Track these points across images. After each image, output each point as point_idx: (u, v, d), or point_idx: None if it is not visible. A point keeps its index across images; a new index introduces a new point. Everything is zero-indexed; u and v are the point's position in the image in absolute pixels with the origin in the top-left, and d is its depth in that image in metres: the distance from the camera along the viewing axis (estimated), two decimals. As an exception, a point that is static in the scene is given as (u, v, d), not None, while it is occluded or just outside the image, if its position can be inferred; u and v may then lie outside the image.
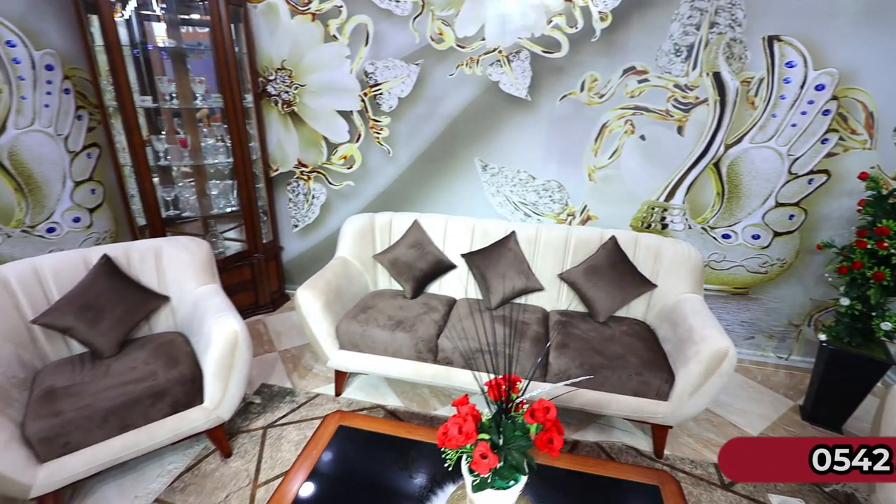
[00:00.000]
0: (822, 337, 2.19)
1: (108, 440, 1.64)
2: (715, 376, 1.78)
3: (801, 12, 2.14)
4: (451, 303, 2.49)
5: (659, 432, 2.03)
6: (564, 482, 1.41)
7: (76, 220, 2.62)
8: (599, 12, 2.36)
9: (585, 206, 2.79)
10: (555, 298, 2.51)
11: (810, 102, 2.26)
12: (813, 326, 2.64)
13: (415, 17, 2.61)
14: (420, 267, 2.50)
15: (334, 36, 2.76)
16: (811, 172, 2.37)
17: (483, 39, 2.57)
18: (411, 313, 2.29)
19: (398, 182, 3.02)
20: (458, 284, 2.60)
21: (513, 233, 2.53)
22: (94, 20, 2.39)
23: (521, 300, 2.51)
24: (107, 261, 1.97)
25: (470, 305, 2.41)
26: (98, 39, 2.43)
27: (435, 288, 2.63)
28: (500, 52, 2.57)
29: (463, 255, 2.53)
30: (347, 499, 1.36)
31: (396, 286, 2.62)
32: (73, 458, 1.59)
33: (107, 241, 2.82)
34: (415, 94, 2.78)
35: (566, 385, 1.77)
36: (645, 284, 2.30)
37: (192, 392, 1.79)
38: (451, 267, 2.59)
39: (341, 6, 2.69)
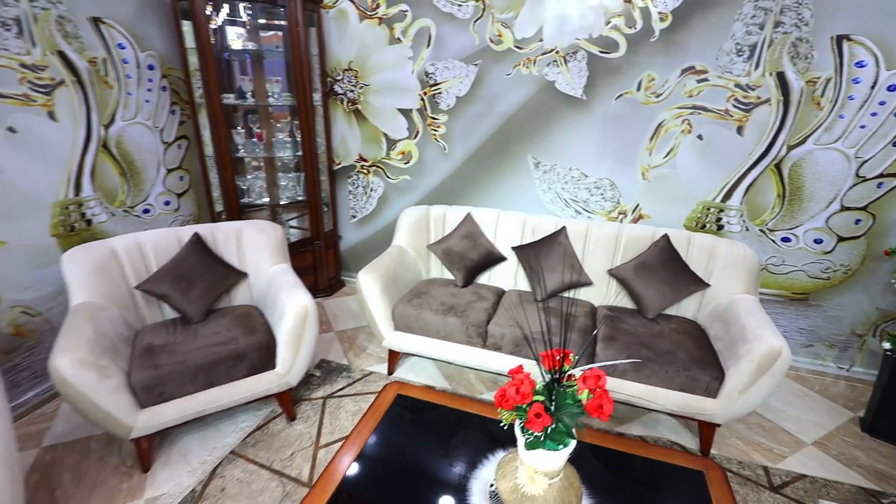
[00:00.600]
0: (887, 346, 2.11)
1: (196, 394, 1.86)
2: (767, 376, 1.78)
3: (873, 11, 2.08)
4: (500, 293, 2.58)
5: (706, 430, 2.04)
6: (609, 460, 1.47)
7: (167, 203, 2.93)
8: (659, 13, 2.38)
9: (638, 205, 2.81)
10: (603, 294, 2.55)
11: (881, 103, 2.18)
12: (878, 337, 2.53)
13: (475, 20, 2.74)
14: (471, 257, 2.62)
15: (398, 38, 2.94)
16: (881, 176, 2.28)
17: (541, 41, 2.65)
18: (462, 300, 2.41)
19: (452, 177, 3.15)
20: (507, 276, 2.69)
21: (563, 228, 2.59)
22: (188, 25, 2.68)
23: (570, 294, 2.57)
24: (197, 238, 2.22)
25: (519, 296, 2.49)
26: (190, 42, 2.72)
27: (484, 279, 2.73)
28: (557, 52, 2.64)
29: (514, 248, 2.63)
30: (403, 461, 1.49)
31: (448, 275, 2.74)
32: (166, 406, 1.82)
33: (191, 223, 3.12)
34: (472, 93, 2.90)
35: (613, 363, 1.83)
36: (697, 283, 2.30)
37: (266, 358, 2.00)
38: (501, 259, 2.69)
39: (406, 10, 2.86)
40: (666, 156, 2.63)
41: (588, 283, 2.53)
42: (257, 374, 1.98)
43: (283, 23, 2.92)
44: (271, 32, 3.10)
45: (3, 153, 2.09)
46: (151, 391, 1.78)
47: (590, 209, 2.92)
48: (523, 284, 2.65)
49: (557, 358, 1.15)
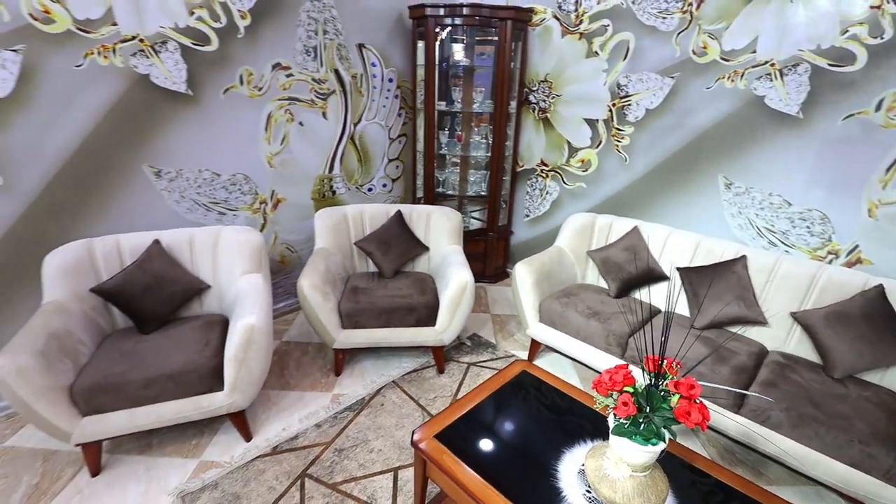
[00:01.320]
0: None
1: (377, 329, 2.45)
2: (985, 479, 1.40)
3: None
4: (652, 311, 2.53)
5: (883, 523, 1.69)
6: (719, 493, 1.43)
7: (384, 185, 3.75)
8: (924, 18, 1.96)
9: (856, 247, 2.35)
10: (781, 338, 2.27)
11: None
12: None
13: (679, 32, 2.68)
14: (629, 270, 2.63)
15: (596, 52, 3.07)
16: None
17: (753, 52, 2.45)
18: (610, 309, 2.47)
19: (629, 189, 3.14)
20: (665, 297, 2.61)
21: (743, 257, 2.38)
22: (421, 45, 3.35)
23: (737, 329, 2.36)
24: (399, 215, 2.85)
25: (673, 318, 2.41)
26: (419, 60, 3.39)
27: (639, 295, 2.70)
28: (772, 64, 2.40)
29: (678, 269, 2.53)
30: (510, 422, 1.72)
31: (602, 284, 2.81)
32: (357, 332, 2.45)
33: (397, 203, 3.90)
34: (664, 106, 2.84)
35: (723, 388, 1.72)
36: (914, 350, 1.87)
37: (429, 316, 2.47)
38: (663, 278, 2.61)
39: (608, 25, 2.97)
40: (908, 191, 2.14)
41: (760, 322, 2.28)
42: (421, 327, 2.47)
43: (493, 39, 3.36)
44: (482, 48, 3.59)
45: (295, 140, 3.06)
46: (351, 318, 2.44)
47: (789, 242, 2.56)
48: (682, 308, 2.53)
49: (658, 362, 1.23)
